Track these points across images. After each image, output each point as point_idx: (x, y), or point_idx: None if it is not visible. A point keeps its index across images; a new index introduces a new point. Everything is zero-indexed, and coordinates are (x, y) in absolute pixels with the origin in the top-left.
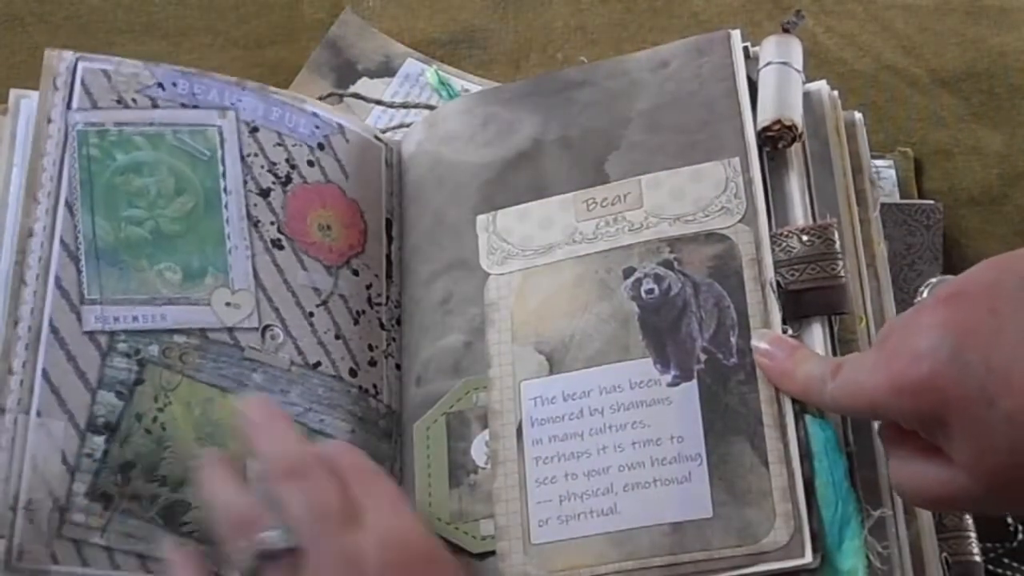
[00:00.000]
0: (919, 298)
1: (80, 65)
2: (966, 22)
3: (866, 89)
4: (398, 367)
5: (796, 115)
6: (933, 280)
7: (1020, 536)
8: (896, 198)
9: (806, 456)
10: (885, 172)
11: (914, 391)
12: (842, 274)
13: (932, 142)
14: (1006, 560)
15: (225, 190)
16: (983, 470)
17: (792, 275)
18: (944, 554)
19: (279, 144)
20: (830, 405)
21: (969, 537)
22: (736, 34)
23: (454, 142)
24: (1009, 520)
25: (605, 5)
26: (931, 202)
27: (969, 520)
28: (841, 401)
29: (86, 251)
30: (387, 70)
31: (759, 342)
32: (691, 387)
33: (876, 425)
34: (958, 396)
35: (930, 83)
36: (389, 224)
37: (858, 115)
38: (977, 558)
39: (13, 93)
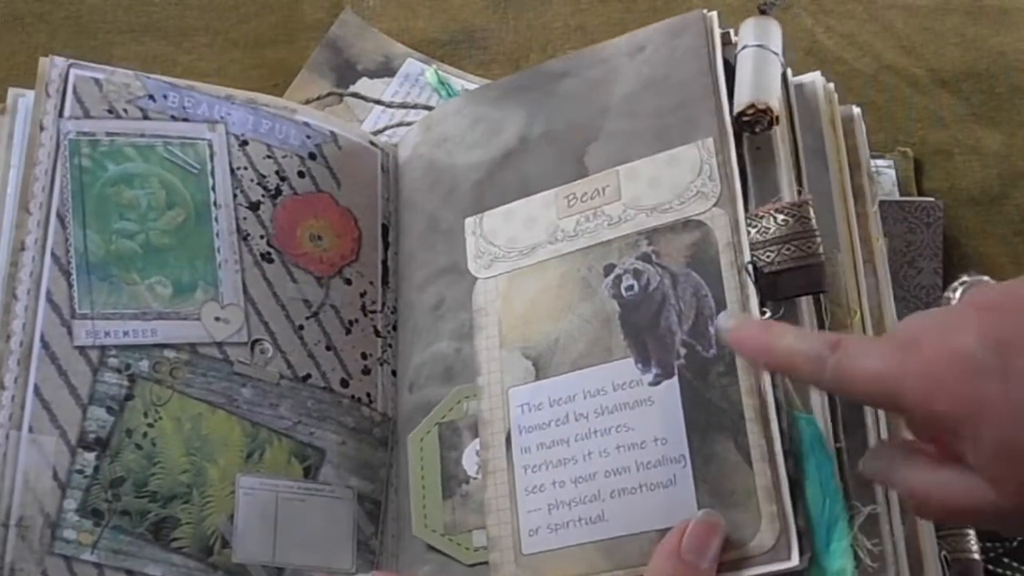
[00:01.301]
0: (950, 294)
1: (72, 72)
2: (966, 22)
3: (866, 89)
4: (394, 373)
5: (772, 98)
6: (966, 278)
7: (1020, 536)
8: (896, 198)
9: (791, 452)
10: (885, 172)
11: (950, 392)
12: (819, 251)
13: (932, 142)
14: (1006, 560)
15: (215, 204)
16: (1013, 488)
17: (769, 256)
18: (943, 552)
19: (269, 156)
20: (829, 383)
21: (968, 535)
22: (712, 15)
23: (446, 144)
24: None
25: (605, 5)
26: (931, 199)
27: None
28: (845, 383)
29: (77, 265)
30: (387, 70)
31: (724, 322)
32: (672, 384)
33: (875, 423)
34: (997, 408)
35: (930, 83)
36: (386, 230)
37: (856, 109)
38: (976, 556)
39: (11, 92)
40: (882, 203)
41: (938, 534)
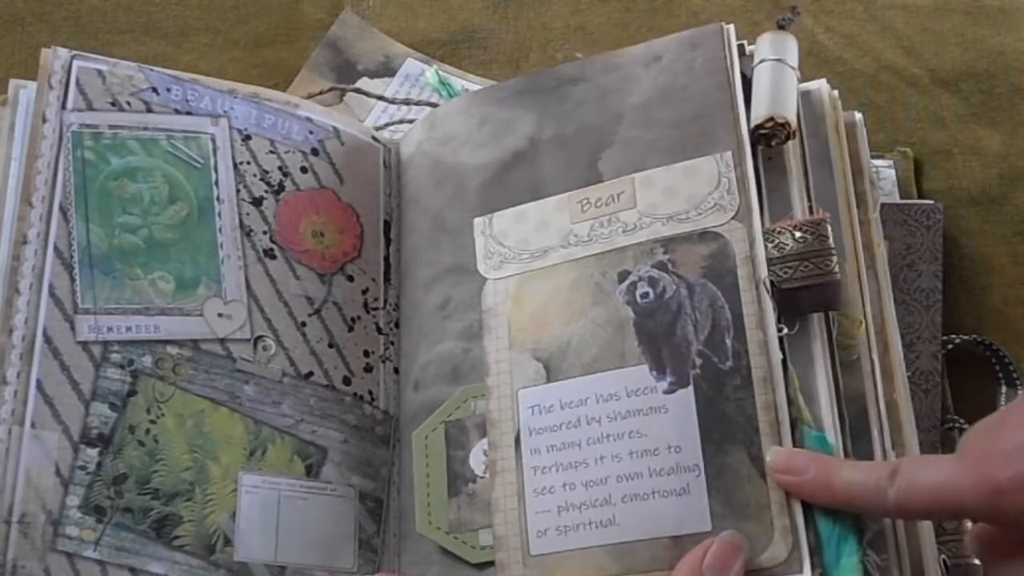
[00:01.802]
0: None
1: (75, 64)
2: (966, 22)
3: (866, 89)
4: (396, 371)
5: (790, 112)
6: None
7: None
8: (896, 198)
9: None
10: (885, 172)
11: (1009, 489)
12: (836, 270)
13: (932, 142)
14: None
15: (218, 199)
16: None
17: (786, 272)
18: (943, 557)
19: (272, 152)
20: (893, 510)
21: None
22: (730, 28)
23: (452, 143)
24: None
25: (605, 5)
26: (931, 202)
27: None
28: (911, 505)
29: (80, 259)
30: (387, 70)
31: (774, 460)
32: (687, 394)
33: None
34: None
35: (930, 83)
36: (387, 226)
37: (858, 115)
38: (976, 561)
39: (12, 83)
40: (882, 206)
41: (938, 539)
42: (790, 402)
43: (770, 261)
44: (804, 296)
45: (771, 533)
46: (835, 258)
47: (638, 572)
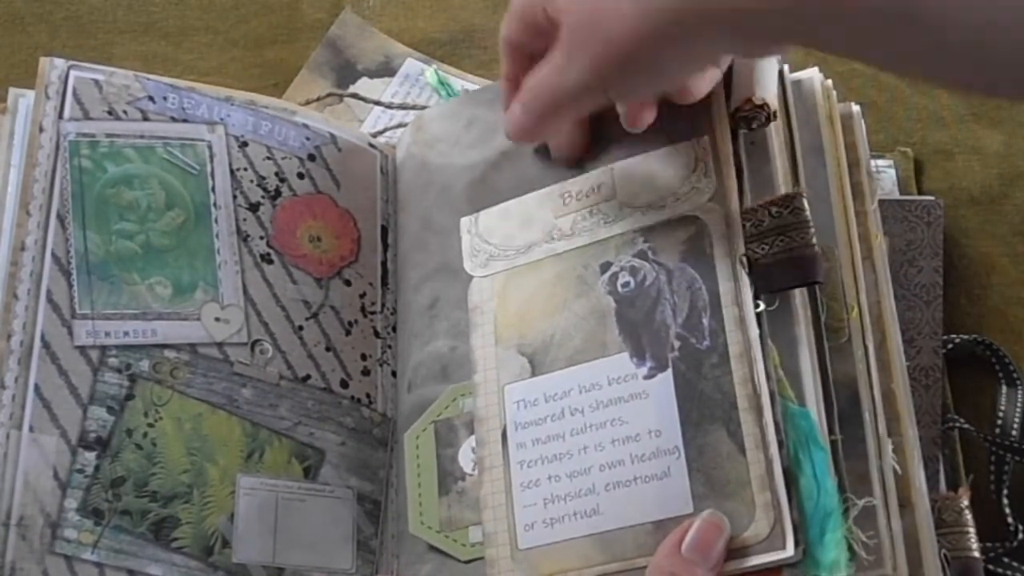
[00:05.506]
0: None
1: (72, 74)
2: None
3: (866, 89)
4: (394, 374)
5: (769, 95)
6: None
7: (1020, 536)
8: (896, 197)
9: (784, 444)
10: (885, 172)
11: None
12: (813, 242)
13: (932, 142)
14: (1006, 560)
15: (215, 205)
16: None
17: (763, 249)
18: (943, 551)
19: (268, 158)
20: None
21: (968, 533)
22: None
23: (439, 145)
24: (1009, 519)
25: None
26: (931, 198)
27: (968, 516)
28: None
29: (77, 265)
30: (387, 70)
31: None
32: (666, 377)
33: None
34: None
35: None
36: (384, 231)
37: (855, 107)
38: (976, 555)
39: (12, 92)
40: (882, 202)
41: (938, 532)
42: (768, 376)
43: (748, 239)
44: (781, 270)
45: (753, 510)
46: (812, 231)
47: (623, 560)
